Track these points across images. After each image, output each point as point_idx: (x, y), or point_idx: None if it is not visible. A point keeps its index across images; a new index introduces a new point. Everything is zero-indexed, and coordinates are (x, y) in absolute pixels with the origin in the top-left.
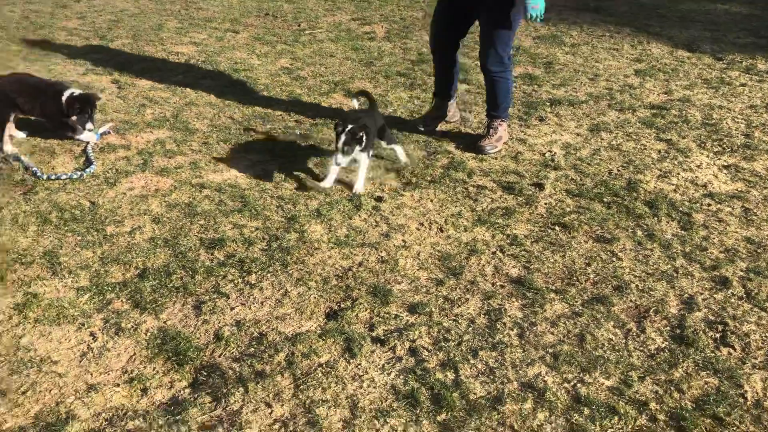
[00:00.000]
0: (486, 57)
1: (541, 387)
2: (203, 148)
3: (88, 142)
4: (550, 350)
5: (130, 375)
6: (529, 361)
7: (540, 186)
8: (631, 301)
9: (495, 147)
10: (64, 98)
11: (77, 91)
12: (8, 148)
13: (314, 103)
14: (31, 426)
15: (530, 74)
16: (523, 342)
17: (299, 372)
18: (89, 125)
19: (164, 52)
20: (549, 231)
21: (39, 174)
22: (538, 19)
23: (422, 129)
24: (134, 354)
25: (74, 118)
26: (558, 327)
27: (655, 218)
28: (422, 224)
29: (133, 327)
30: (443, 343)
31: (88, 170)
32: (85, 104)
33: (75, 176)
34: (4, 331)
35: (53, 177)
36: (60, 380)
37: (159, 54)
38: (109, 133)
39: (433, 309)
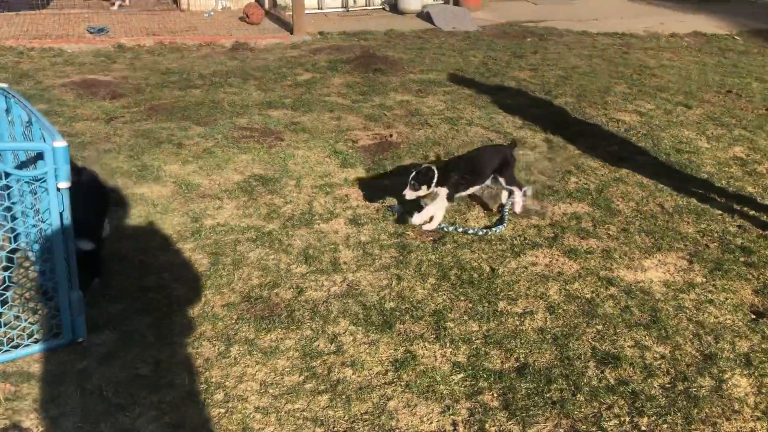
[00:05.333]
0: None
1: None
2: (621, 235)
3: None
4: None
5: None
6: None
7: None
8: None
9: None
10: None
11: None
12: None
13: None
14: None
15: None
16: None
17: None
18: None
19: (605, 117)
20: None
21: (446, 228)
22: None
23: None
24: None
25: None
26: None
27: None
28: None
29: None
30: None
31: (494, 229)
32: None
33: (480, 232)
34: (377, 386)
35: (459, 230)
36: None
37: (599, 118)
38: (526, 195)
39: None
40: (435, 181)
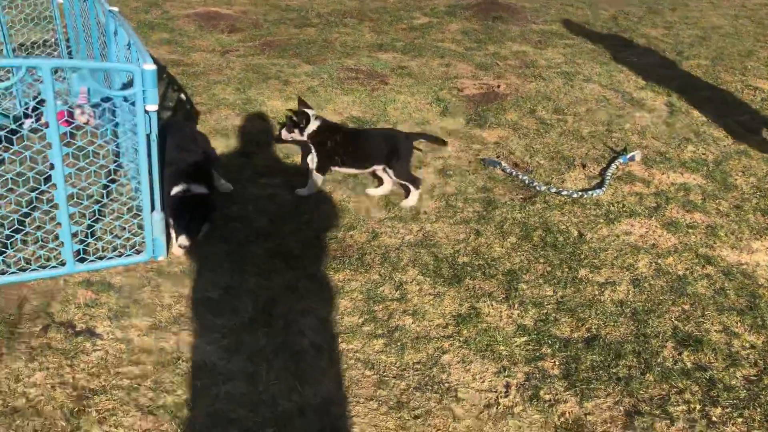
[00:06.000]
0: None
1: None
2: (732, 212)
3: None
4: None
5: None
6: None
7: None
8: None
9: None
10: None
11: None
12: None
13: None
14: None
15: None
16: None
17: None
18: None
19: (741, 83)
20: None
21: (540, 188)
22: None
23: None
24: None
25: None
26: None
27: None
28: None
29: (550, 401)
30: None
31: (591, 192)
32: None
33: (575, 195)
34: (434, 338)
35: (553, 190)
36: (452, 423)
37: (733, 84)
38: (634, 159)
39: None
40: (311, 130)
